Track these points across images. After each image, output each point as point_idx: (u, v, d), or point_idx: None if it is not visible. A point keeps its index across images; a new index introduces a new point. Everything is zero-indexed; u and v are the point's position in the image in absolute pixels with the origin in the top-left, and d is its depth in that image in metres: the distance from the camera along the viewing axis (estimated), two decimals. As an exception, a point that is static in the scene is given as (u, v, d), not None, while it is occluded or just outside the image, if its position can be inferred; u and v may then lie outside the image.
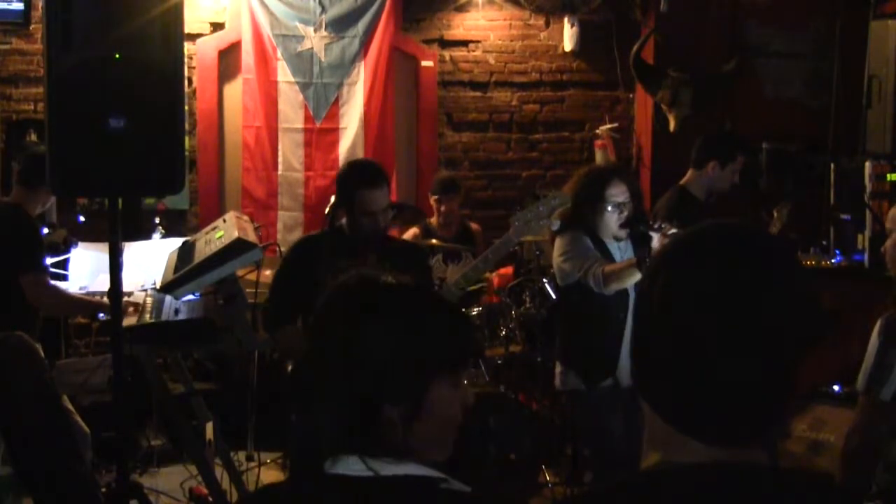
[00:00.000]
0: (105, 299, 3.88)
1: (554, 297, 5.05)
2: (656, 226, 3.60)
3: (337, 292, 1.51)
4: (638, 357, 1.20)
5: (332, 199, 4.23)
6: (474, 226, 5.87)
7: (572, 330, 3.93)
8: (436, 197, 5.66)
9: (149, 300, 4.07)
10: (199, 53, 6.16)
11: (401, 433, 1.39)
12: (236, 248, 3.53)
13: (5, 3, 5.77)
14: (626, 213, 3.74)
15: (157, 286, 3.96)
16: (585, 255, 3.70)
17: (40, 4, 4.53)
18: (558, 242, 3.82)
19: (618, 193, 3.74)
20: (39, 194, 4.23)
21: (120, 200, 3.39)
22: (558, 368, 3.95)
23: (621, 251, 3.85)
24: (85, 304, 4.53)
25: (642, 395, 1.19)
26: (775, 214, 4.67)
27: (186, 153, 3.67)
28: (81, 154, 3.08)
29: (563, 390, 3.97)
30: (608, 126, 6.57)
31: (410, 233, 5.56)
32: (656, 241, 3.55)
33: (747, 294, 1.11)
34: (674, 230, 3.57)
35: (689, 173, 4.60)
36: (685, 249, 1.20)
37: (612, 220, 3.74)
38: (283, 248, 4.15)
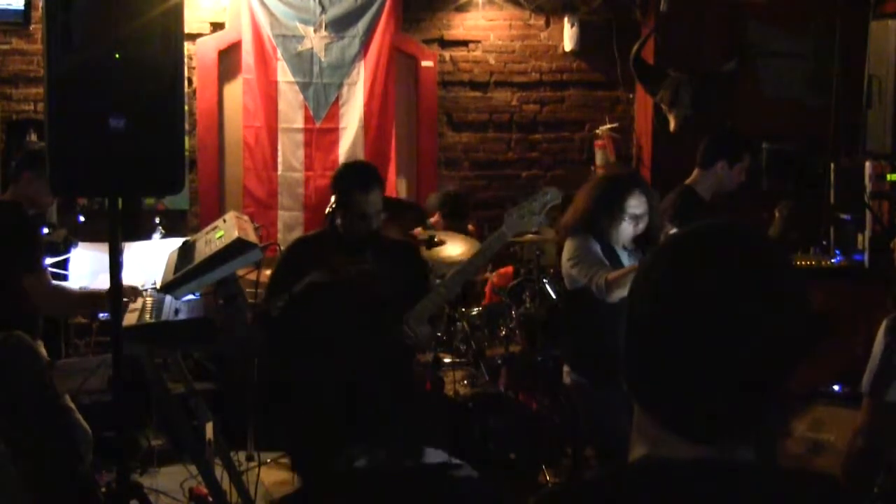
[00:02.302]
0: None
1: (554, 296, 5.05)
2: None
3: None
4: (627, 353, 1.20)
5: (333, 198, 4.24)
6: (470, 226, 5.86)
7: (578, 333, 3.92)
8: (443, 214, 5.62)
9: (149, 300, 4.07)
10: (199, 53, 6.16)
11: None
12: (236, 248, 3.53)
13: (5, 3, 5.77)
14: (641, 227, 3.72)
15: (157, 286, 3.95)
16: (594, 261, 3.67)
17: (40, 4, 4.52)
18: (567, 247, 3.80)
19: (637, 205, 3.70)
20: (29, 184, 4.21)
21: (120, 200, 3.38)
22: (566, 366, 3.95)
23: (631, 258, 3.82)
24: (88, 299, 4.51)
25: (630, 390, 1.20)
26: (777, 214, 4.67)
27: (186, 153, 3.67)
28: (81, 154, 3.07)
29: (571, 385, 3.96)
30: (608, 126, 6.57)
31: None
32: None
33: (735, 294, 1.12)
34: (674, 231, 3.57)
35: (696, 173, 4.58)
36: (676, 249, 1.22)
37: (626, 231, 3.72)
38: (283, 248, 4.15)
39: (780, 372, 1.13)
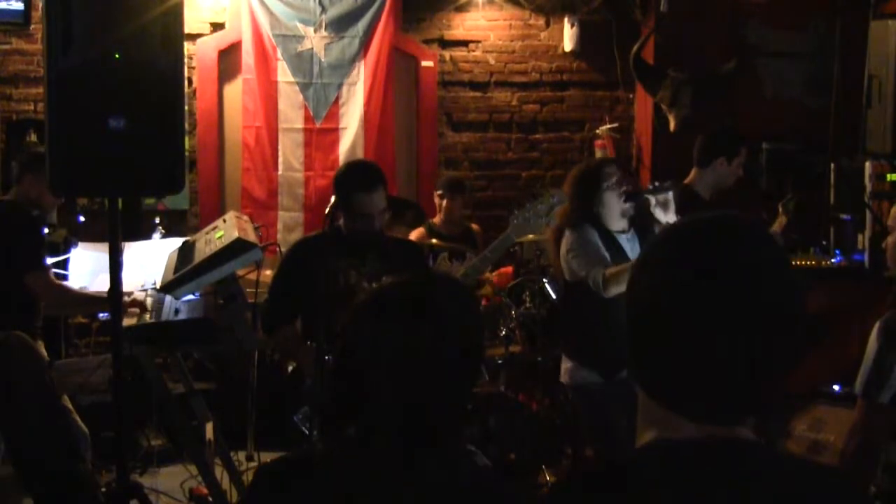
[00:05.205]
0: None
1: (554, 297, 5.05)
2: (656, 185, 3.67)
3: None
4: (630, 338, 1.23)
5: (333, 198, 4.24)
6: (475, 226, 5.87)
7: (580, 325, 3.92)
8: (439, 193, 5.68)
9: (149, 300, 4.07)
10: (199, 53, 6.16)
11: None
12: (236, 248, 3.53)
13: (5, 3, 5.77)
14: (625, 189, 3.83)
15: (157, 286, 3.95)
16: (593, 253, 3.71)
17: (40, 4, 4.52)
18: (567, 238, 3.82)
19: (612, 173, 3.85)
20: (31, 186, 4.22)
21: (120, 200, 3.39)
22: (566, 364, 3.94)
23: (630, 242, 3.86)
24: (91, 300, 4.52)
25: (634, 375, 1.23)
26: (780, 209, 4.68)
27: (186, 153, 3.67)
28: (81, 154, 3.08)
29: (570, 385, 3.95)
30: (608, 126, 6.58)
31: (415, 234, 5.55)
32: (659, 213, 3.62)
33: (735, 275, 1.15)
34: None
35: (694, 172, 4.59)
36: (675, 235, 1.25)
37: (613, 199, 3.81)
38: (283, 248, 4.15)
39: (781, 350, 1.16)
